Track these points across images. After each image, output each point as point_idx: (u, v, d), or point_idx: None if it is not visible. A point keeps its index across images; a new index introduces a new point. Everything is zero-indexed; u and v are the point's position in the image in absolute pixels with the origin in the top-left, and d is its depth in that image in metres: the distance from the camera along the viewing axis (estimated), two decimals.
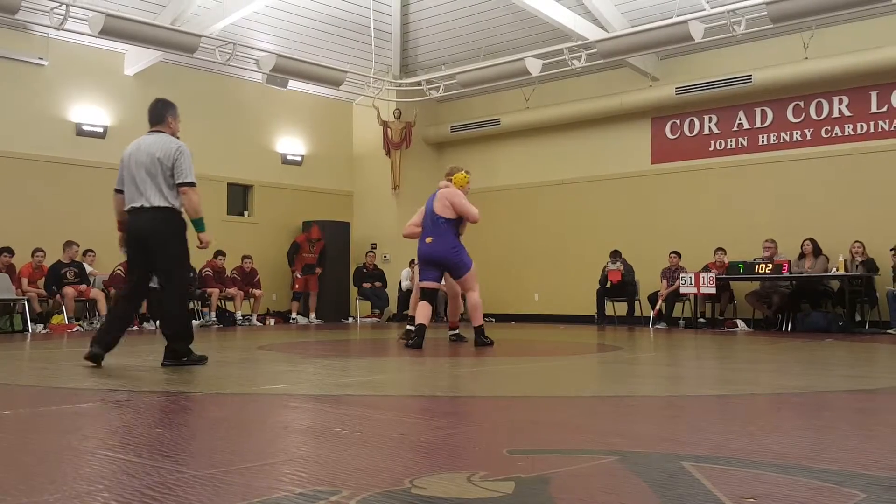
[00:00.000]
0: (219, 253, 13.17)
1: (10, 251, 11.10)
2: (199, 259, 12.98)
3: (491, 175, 15.66)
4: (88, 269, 11.86)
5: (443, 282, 8.35)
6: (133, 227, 5.47)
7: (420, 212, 8.42)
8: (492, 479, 2.18)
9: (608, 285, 13.00)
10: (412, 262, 14.65)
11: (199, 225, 5.60)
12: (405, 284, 14.69)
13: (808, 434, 3.05)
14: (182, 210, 5.49)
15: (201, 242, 5.68)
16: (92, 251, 11.88)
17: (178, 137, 5.57)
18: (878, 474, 2.28)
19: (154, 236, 5.41)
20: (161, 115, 5.59)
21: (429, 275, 7.98)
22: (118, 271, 11.74)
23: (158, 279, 5.59)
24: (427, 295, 7.90)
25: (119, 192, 5.57)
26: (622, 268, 12.88)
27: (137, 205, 5.39)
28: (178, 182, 5.39)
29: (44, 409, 3.77)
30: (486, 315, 14.85)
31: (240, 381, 5.00)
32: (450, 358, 7.02)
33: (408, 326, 8.17)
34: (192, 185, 5.43)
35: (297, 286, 14.36)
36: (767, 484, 2.16)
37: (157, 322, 5.36)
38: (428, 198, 8.34)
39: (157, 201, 5.36)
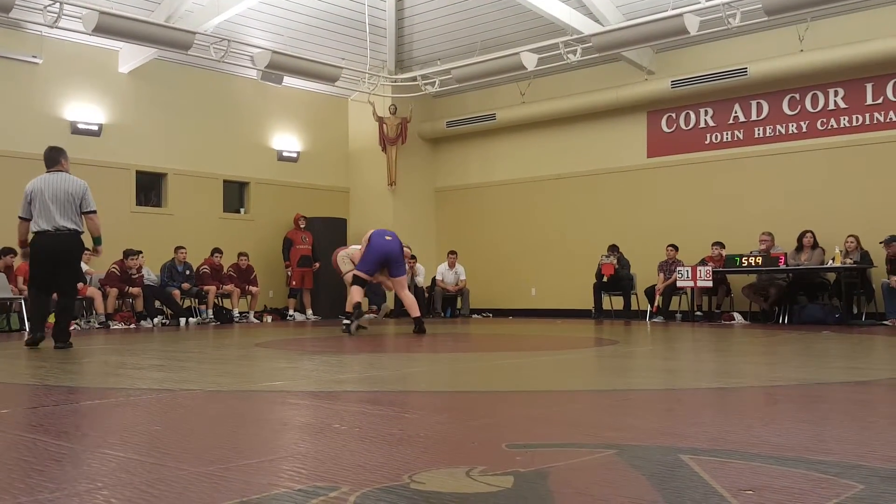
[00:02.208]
0: (216, 251, 13.18)
1: (13, 252, 11.07)
2: (196, 257, 12.99)
3: (487, 170, 15.67)
4: (85, 267, 11.82)
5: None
6: (48, 244, 6.96)
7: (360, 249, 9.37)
8: (491, 474, 2.18)
9: (604, 279, 13.01)
10: (409, 257, 14.66)
11: (98, 241, 7.36)
12: None
13: (806, 426, 3.06)
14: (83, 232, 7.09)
15: (97, 252, 7.54)
16: (87, 249, 11.81)
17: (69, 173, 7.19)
18: (876, 465, 2.29)
19: (67, 252, 7.04)
20: (56, 159, 7.15)
21: (374, 269, 9.21)
22: (113, 270, 11.76)
23: (60, 285, 7.13)
24: (364, 283, 9.20)
25: (25, 220, 7.08)
26: (616, 261, 12.88)
27: (52, 228, 6.90)
28: (86, 210, 7.03)
29: (41, 408, 3.77)
30: (483, 310, 14.98)
31: (238, 378, 5.00)
32: (447, 353, 7.03)
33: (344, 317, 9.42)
34: (95, 212, 7.11)
35: (293, 283, 14.35)
36: (766, 476, 2.17)
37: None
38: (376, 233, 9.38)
39: (71, 226, 6.97)
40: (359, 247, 9.53)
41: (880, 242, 10.71)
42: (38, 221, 6.95)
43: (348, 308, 9.32)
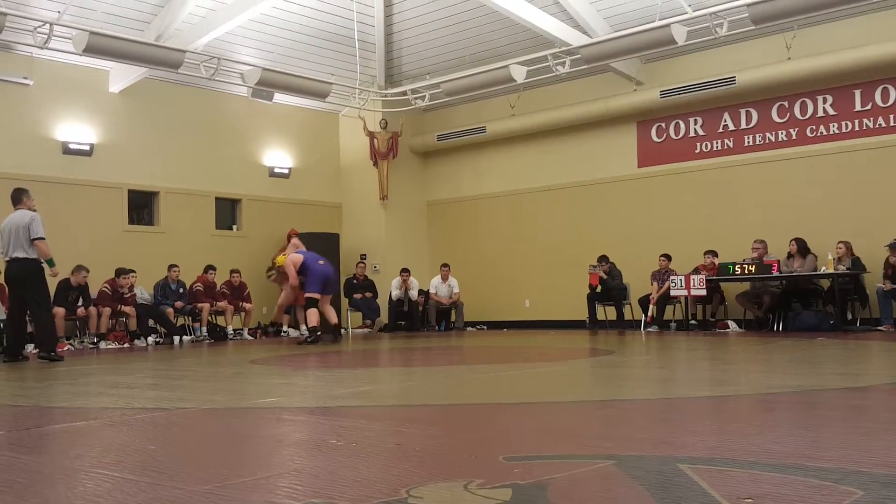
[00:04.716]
0: (209, 268, 13.11)
1: None
2: (189, 275, 12.95)
3: (478, 183, 15.69)
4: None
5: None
6: (8, 271, 8.33)
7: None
8: (489, 487, 2.17)
9: (597, 290, 13.00)
10: (402, 271, 14.67)
11: (50, 263, 8.39)
12: (395, 294, 14.67)
13: (804, 433, 3.06)
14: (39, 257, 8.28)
15: (53, 273, 8.58)
16: (85, 269, 11.75)
17: (34, 209, 8.39)
18: (876, 471, 2.29)
19: (22, 275, 8.22)
20: (19, 198, 8.41)
21: (321, 289, 10.79)
22: (104, 289, 11.71)
23: (28, 303, 8.38)
24: (315, 303, 10.71)
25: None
26: (602, 272, 12.86)
27: (10, 257, 8.19)
28: (32, 238, 8.15)
29: (35, 429, 3.74)
30: (478, 323, 14.97)
31: (232, 396, 4.97)
32: (442, 367, 7.02)
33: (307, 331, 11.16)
34: (41, 238, 8.21)
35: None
36: (765, 484, 2.16)
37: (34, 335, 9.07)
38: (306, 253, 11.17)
39: (22, 254, 8.16)
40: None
41: (886, 246, 10.65)
42: (5, 252, 8.31)
43: (311, 324, 10.76)
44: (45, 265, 8.42)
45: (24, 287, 8.28)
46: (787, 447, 2.70)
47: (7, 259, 8.29)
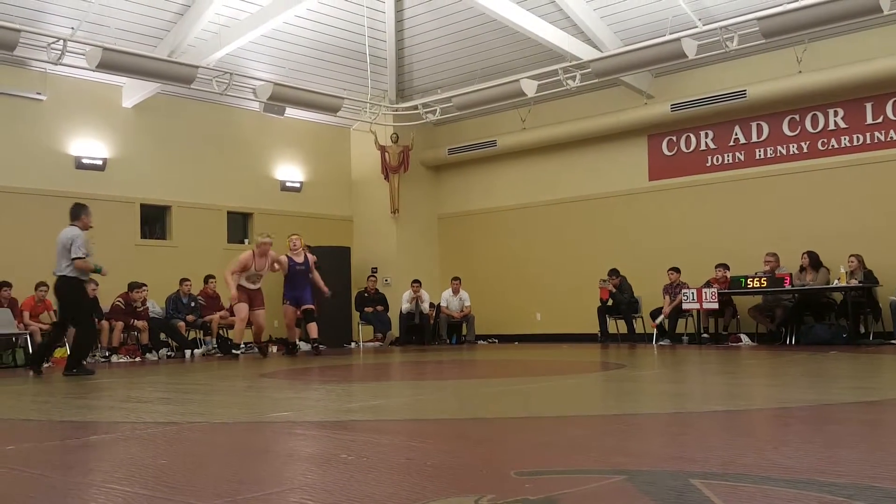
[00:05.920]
0: (209, 277, 13.07)
1: (9, 285, 11.09)
2: (194, 288, 12.94)
3: (489, 196, 15.70)
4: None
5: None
6: (55, 286, 8.46)
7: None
8: (500, 502, 2.16)
9: (608, 303, 12.98)
10: (413, 282, 14.67)
11: (97, 270, 8.42)
12: (406, 307, 14.66)
13: (817, 448, 3.04)
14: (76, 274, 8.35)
15: (103, 274, 8.63)
16: (94, 282, 11.81)
17: (90, 227, 8.42)
18: (889, 487, 2.27)
19: (63, 292, 8.33)
20: (77, 214, 8.38)
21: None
22: (118, 303, 11.76)
23: (71, 319, 8.58)
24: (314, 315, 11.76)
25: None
26: (612, 286, 12.83)
27: (55, 272, 8.28)
28: (72, 258, 8.14)
29: (47, 443, 3.75)
30: (489, 336, 14.94)
31: (244, 410, 4.98)
32: (454, 380, 7.01)
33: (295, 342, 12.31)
34: (79, 258, 8.14)
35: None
36: (777, 499, 2.15)
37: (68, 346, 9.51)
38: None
39: (63, 272, 8.18)
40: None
41: None
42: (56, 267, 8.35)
43: (314, 335, 11.68)
44: (95, 275, 8.71)
45: (67, 302, 8.43)
46: (800, 462, 2.68)
47: (55, 273, 8.39)
